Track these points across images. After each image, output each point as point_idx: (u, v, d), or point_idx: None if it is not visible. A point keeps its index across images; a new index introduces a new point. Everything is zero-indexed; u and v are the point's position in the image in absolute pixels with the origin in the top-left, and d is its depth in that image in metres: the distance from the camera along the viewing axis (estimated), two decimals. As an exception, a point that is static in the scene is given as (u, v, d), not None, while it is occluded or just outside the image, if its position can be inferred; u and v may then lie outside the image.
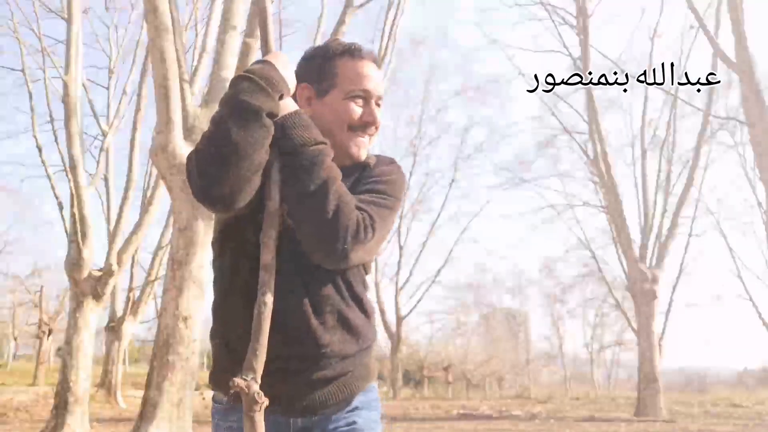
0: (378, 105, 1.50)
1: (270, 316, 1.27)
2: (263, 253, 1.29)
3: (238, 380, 1.20)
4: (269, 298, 1.27)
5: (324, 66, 1.49)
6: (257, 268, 1.29)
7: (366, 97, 1.48)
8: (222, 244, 1.43)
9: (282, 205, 1.32)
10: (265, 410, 1.23)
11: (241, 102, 1.25)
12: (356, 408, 1.43)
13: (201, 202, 1.28)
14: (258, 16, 1.44)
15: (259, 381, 1.23)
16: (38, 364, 21.75)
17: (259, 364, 1.24)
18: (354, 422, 1.41)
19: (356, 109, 1.46)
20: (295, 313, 1.34)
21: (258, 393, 1.21)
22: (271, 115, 1.28)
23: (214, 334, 1.43)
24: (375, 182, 1.45)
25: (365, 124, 1.48)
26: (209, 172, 1.23)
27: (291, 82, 1.39)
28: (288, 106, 1.35)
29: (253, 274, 1.30)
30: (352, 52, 1.49)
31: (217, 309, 1.42)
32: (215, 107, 5.37)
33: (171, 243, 6.84)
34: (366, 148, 1.50)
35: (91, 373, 9.72)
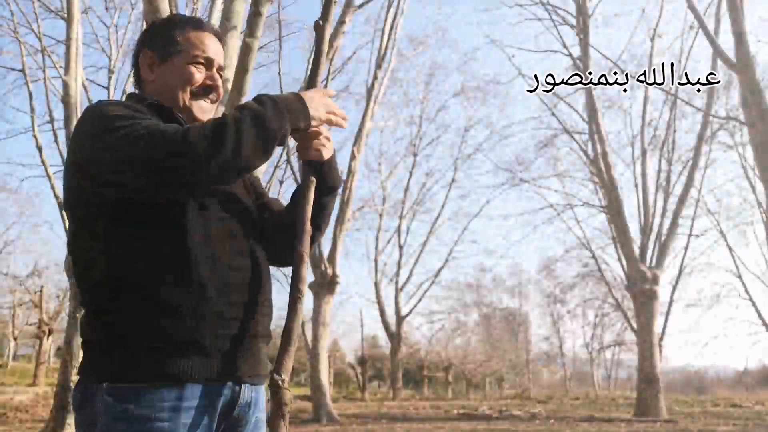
0: (219, 75, 1.53)
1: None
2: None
3: (277, 378, 1.25)
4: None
5: (167, 34, 1.51)
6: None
7: (207, 63, 1.51)
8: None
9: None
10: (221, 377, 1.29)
11: (269, 126, 1.28)
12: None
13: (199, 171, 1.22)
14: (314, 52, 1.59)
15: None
16: (38, 364, 21.76)
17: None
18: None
19: (197, 74, 1.49)
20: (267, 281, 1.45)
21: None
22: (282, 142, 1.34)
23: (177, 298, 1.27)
24: None
25: (207, 88, 1.50)
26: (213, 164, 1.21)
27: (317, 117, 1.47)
28: None
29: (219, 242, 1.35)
30: (195, 23, 1.55)
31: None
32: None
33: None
34: (210, 113, 1.52)
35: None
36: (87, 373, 1.28)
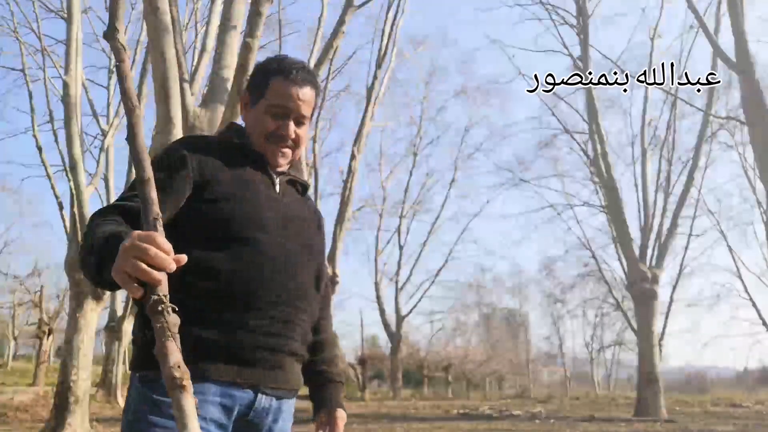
0: (300, 123, 1.61)
1: None
2: None
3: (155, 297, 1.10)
4: None
5: (259, 80, 1.63)
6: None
7: (285, 113, 1.59)
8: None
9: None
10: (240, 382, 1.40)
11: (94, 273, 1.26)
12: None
13: None
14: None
15: None
16: (38, 364, 21.75)
17: None
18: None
19: (272, 123, 1.59)
20: None
21: None
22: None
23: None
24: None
25: (279, 138, 1.59)
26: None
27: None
28: None
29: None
30: (286, 72, 1.60)
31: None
32: (215, 107, 5.35)
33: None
34: (286, 158, 1.62)
35: (91, 373, 9.72)
36: (130, 365, 1.47)
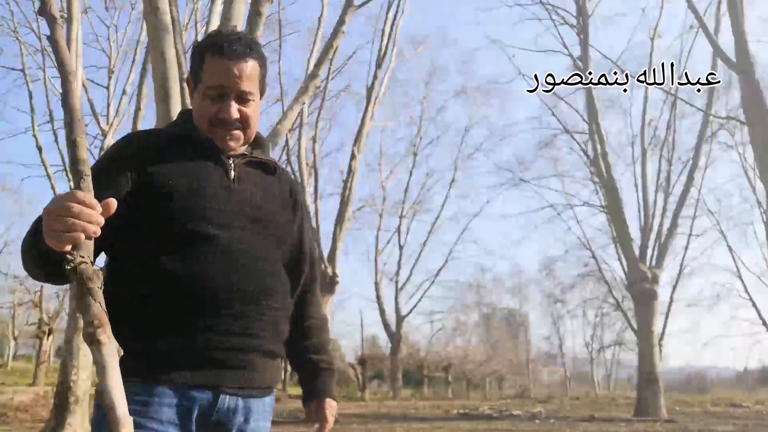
0: (245, 100, 1.47)
1: None
2: None
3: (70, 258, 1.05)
4: None
5: (195, 61, 1.50)
6: None
7: (223, 93, 1.45)
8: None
9: None
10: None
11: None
12: None
13: None
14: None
15: None
16: (38, 364, 21.73)
17: None
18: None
19: (211, 107, 1.46)
20: None
21: None
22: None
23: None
24: (308, 230, 1.65)
25: (221, 122, 1.46)
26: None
27: None
28: None
29: None
30: (217, 48, 1.46)
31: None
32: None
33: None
34: (237, 140, 1.50)
35: (91, 373, 9.71)
36: None
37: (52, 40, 1.15)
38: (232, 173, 1.48)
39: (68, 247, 0.99)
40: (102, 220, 1.03)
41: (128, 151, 1.43)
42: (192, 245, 1.37)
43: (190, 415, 1.36)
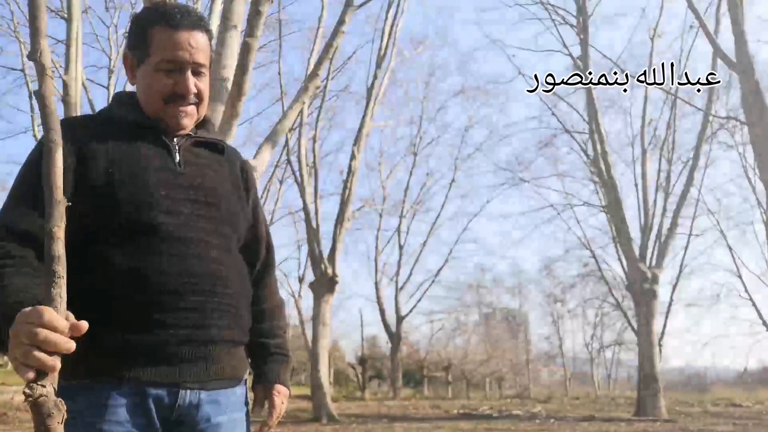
0: (199, 73, 1.40)
1: None
2: None
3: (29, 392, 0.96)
4: None
5: (141, 33, 1.39)
6: None
7: (179, 66, 1.37)
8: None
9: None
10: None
11: None
12: None
13: None
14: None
15: None
16: (38, 364, 21.75)
17: None
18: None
19: (167, 81, 1.37)
20: None
21: None
22: None
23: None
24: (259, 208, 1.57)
25: (179, 97, 1.38)
26: None
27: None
28: None
29: None
30: (168, 19, 1.37)
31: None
32: (215, 107, 5.33)
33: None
34: (191, 117, 1.42)
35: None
36: None
37: (39, 95, 0.95)
38: (177, 155, 1.39)
39: (30, 374, 0.92)
40: (72, 346, 0.94)
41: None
42: (138, 236, 1.29)
43: (150, 414, 1.29)
